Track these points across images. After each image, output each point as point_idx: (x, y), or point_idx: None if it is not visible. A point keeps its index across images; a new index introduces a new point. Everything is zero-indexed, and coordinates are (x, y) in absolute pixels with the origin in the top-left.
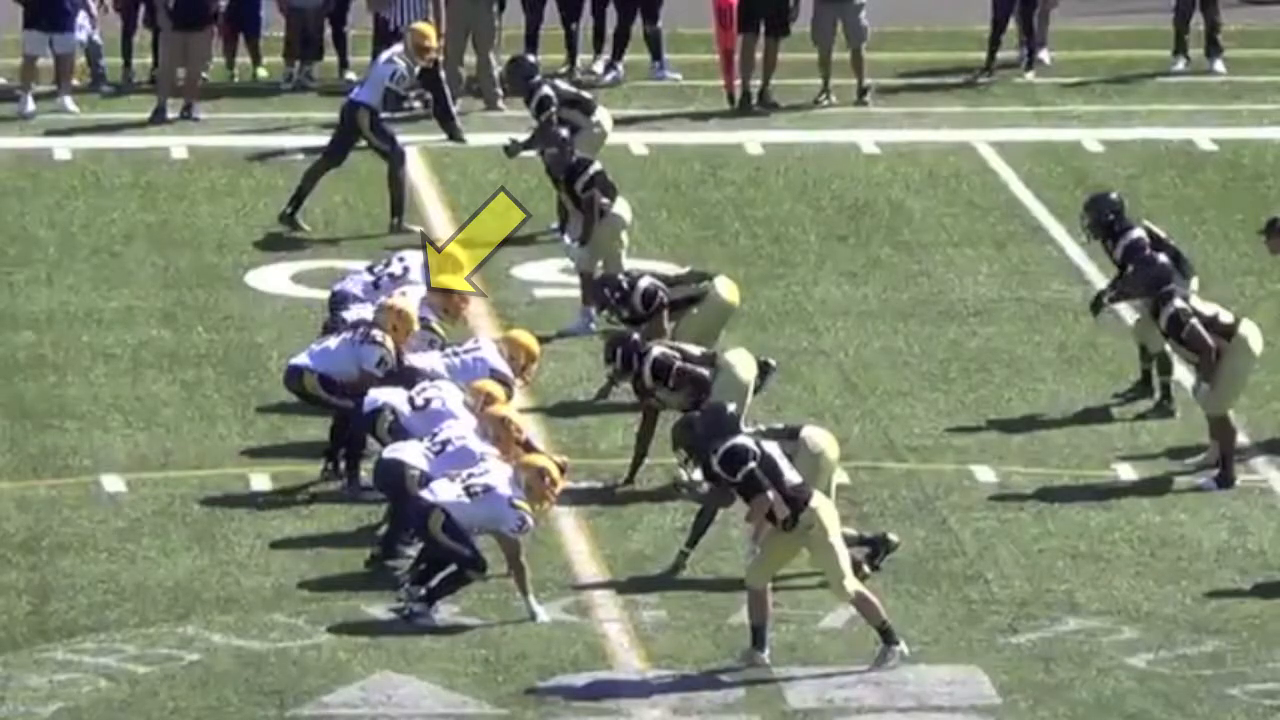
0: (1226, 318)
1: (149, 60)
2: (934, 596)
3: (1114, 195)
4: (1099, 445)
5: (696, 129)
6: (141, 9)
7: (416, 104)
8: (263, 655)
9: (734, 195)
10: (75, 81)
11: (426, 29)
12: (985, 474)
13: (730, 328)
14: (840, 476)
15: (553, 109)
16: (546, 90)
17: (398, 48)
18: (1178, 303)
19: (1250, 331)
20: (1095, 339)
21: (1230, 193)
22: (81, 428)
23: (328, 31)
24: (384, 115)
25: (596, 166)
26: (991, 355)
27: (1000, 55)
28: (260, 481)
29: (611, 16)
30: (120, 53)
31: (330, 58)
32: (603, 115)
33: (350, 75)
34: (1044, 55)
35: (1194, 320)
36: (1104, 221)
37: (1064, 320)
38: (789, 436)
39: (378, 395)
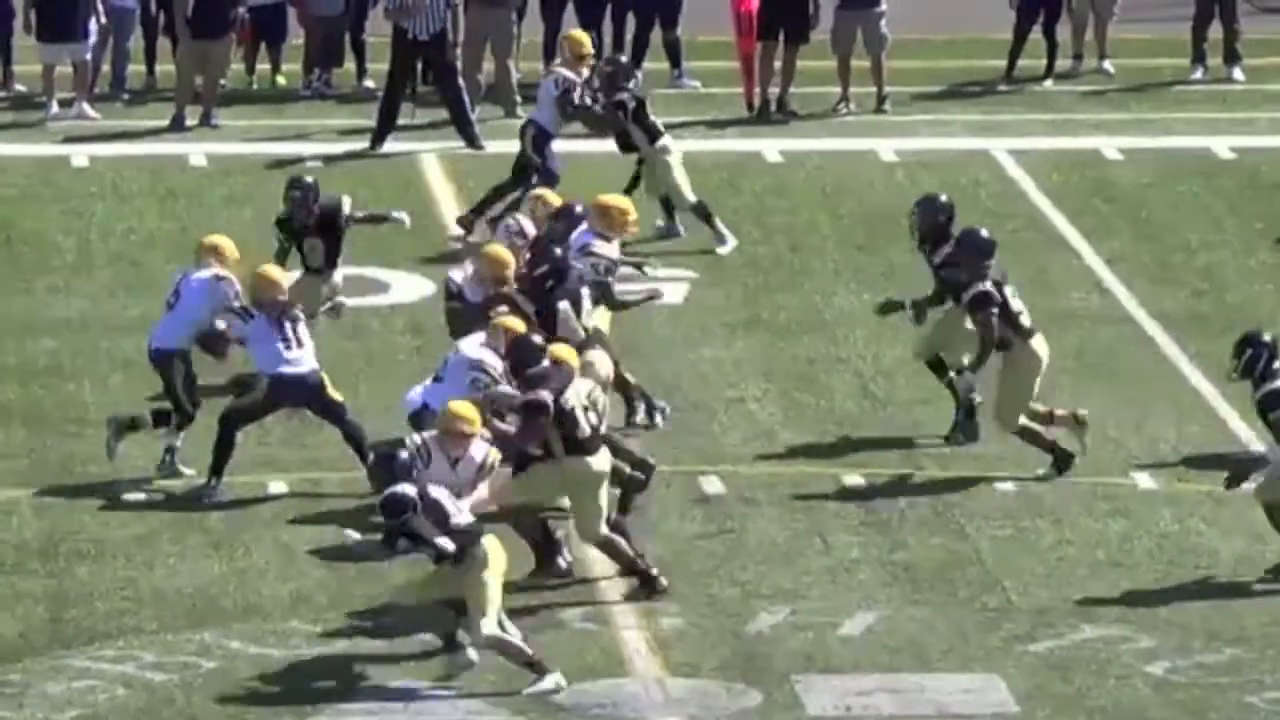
0: (1027, 321)
1: (172, 68)
2: (952, 604)
3: (944, 198)
4: (1117, 453)
5: (715, 136)
6: (161, 17)
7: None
8: (281, 663)
9: (753, 203)
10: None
11: (580, 37)
12: (1003, 482)
13: (748, 334)
14: (857, 480)
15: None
16: (624, 98)
17: (557, 64)
18: (989, 285)
19: (1040, 345)
20: (1114, 346)
21: (1249, 201)
22: (100, 435)
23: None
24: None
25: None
26: None
27: (1020, 64)
28: (278, 488)
29: (631, 24)
30: (144, 59)
31: (349, 65)
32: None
33: (369, 83)
34: (1107, 65)
35: (995, 309)
36: (936, 224)
37: (1082, 328)
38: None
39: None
